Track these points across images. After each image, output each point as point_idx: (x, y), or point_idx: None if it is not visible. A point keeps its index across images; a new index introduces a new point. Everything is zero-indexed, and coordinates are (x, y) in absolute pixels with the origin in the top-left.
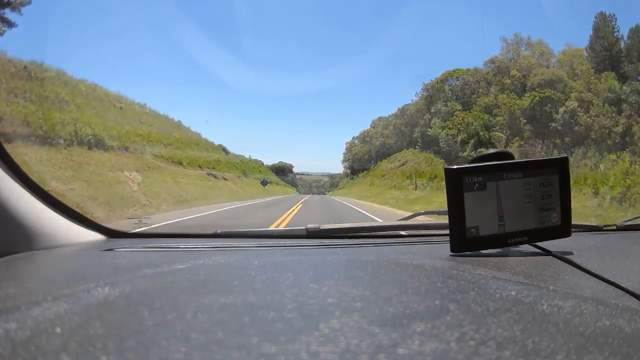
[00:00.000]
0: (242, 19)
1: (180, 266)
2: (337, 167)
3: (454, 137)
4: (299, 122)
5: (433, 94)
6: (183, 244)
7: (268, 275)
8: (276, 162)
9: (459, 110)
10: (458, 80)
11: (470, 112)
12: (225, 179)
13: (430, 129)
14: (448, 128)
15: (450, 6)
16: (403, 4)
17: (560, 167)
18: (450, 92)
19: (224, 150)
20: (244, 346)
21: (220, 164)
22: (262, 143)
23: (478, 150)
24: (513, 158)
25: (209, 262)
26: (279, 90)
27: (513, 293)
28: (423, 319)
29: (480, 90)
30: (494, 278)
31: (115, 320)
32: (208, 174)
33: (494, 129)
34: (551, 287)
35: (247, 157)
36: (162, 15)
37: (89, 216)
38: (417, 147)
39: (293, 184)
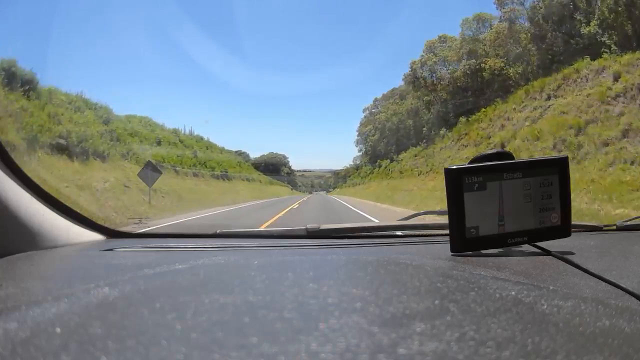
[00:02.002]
0: (242, 19)
1: (180, 266)
2: (340, 164)
3: None
4: (299, 121)
5: None
6: (183, 244)
7: (268, 275)
8: (265, 153)
9: None
10: None
11: None
12: None
13: None
14: None
15: None
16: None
17: (560, 167)
18: None
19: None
20: (244, 346)
21: None
22: (263, 143)
23: None
24: (513, 158)
25: (209, 262)
26: (279, 89)
27: (513, 293)
28: (423, 319)
29: None
30: (494, 278)
31: (115, 320)
32: None
33: None
34: (551, 287)
35: (175, 129)
36: (162, 15)
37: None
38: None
39: (290, 181)
